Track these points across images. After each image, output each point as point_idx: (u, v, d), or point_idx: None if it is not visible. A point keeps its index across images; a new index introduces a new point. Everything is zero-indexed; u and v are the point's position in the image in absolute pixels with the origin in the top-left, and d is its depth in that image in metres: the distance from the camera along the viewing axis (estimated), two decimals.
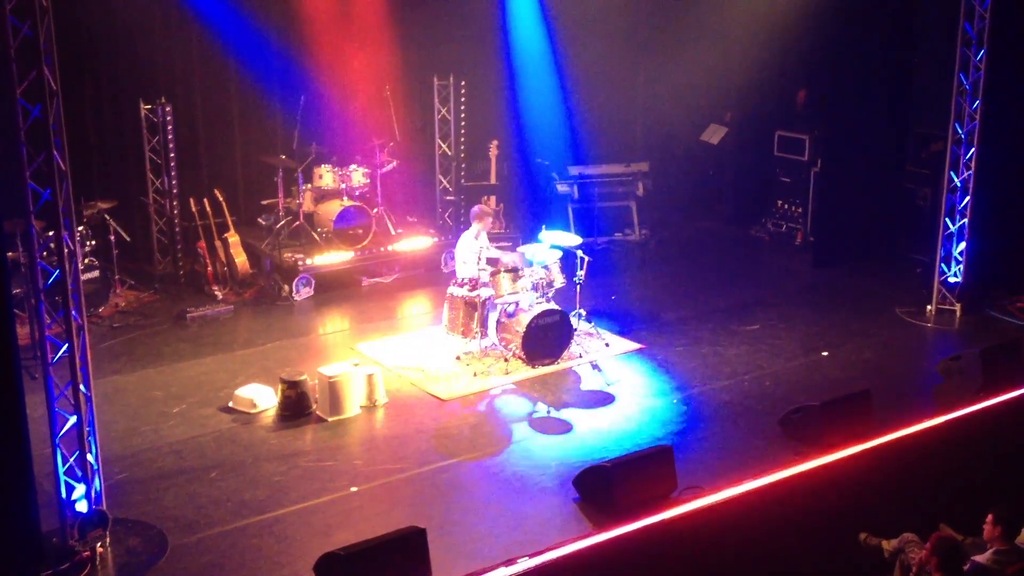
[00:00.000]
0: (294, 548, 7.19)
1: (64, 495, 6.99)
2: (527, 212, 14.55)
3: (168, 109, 12.28)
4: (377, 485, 8.07)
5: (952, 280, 11.74)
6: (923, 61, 13.54)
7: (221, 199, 12.39)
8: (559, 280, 10.47)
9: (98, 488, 7.21)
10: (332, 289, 12.45)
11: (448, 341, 10.55)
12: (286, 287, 12.17)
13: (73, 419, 6.98)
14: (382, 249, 12.87)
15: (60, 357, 6.89)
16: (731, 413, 9.38)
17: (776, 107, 15.19)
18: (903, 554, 7.02)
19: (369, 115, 13.53)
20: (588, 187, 14.74)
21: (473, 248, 10.36)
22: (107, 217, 11.75)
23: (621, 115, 16.09)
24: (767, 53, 14.44)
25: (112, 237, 11.72)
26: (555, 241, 10.89)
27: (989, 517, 6.72)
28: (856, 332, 11.33)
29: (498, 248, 11.07)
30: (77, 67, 11.91)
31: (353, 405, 9.24)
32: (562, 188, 14.72)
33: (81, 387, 6.98)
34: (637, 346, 10.83)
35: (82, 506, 7.05)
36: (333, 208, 12.63)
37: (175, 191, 12.52)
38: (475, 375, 10.01)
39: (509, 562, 6.67)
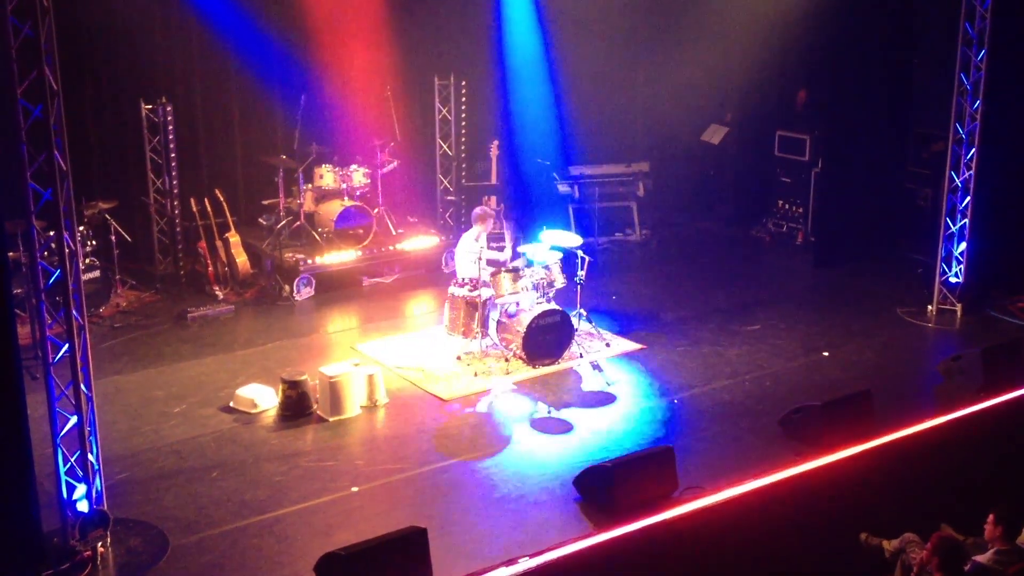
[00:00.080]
0: (295, 548, 7.19)
1: (65, 495, 6.99)
2: (528, 212, 14.54)
3: (169, 109, 12.29)
4: (378, 485, 8.08)
5: (953, 280, 11.74)
6: (923, 61, 13.55)
7: (222, 199, 12.40)
8: (560, 280, 10.47)
9: (99, 488, 7.22)
10: (333, 289, 12.46)
11: (449, 341, 10.55)
12: (287, 287, 12.17)
13: (74, 419, 6.98)
14: (383, 249, 12.87)
15: (61, 357, 6.90)
16: (732, 413, 9.39)
17: (776, 107, 15.20)
18: (904, 554, 7.01)
19: (370, 115, 13.53)
20: (589, 187, 14.74)
21: (473, 249, 10.37)
22: (108, 217, 11.76)
23: (621, 115, 16.09)
24: (767, 53, 14.44)
25: (113, 237, 11.72)
26: (556, 241, 10.90)
27: (990, 517, 6.71)
28: (857, 332, 11.33)
29: (495, 248, 11.08)
30: (78, 67, 11.92)
31: (354, 405, 9.24)
32: (563, 188, 14.73)
33: (82, 387, 6.99)
34: (638, 346, 10.83)
35: (83, 506, 7.05)
36: (334, 208, 12.63)
37: (176, 191, 12.53)
38: (476, 375, 10.01)
39: (509, 562, 6.67)
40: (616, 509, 7.46)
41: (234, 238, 12.41)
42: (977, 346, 10.00)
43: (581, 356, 10.40)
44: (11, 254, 8.96)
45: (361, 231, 12.71)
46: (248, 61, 13.07)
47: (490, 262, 10.41)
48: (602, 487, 7.70)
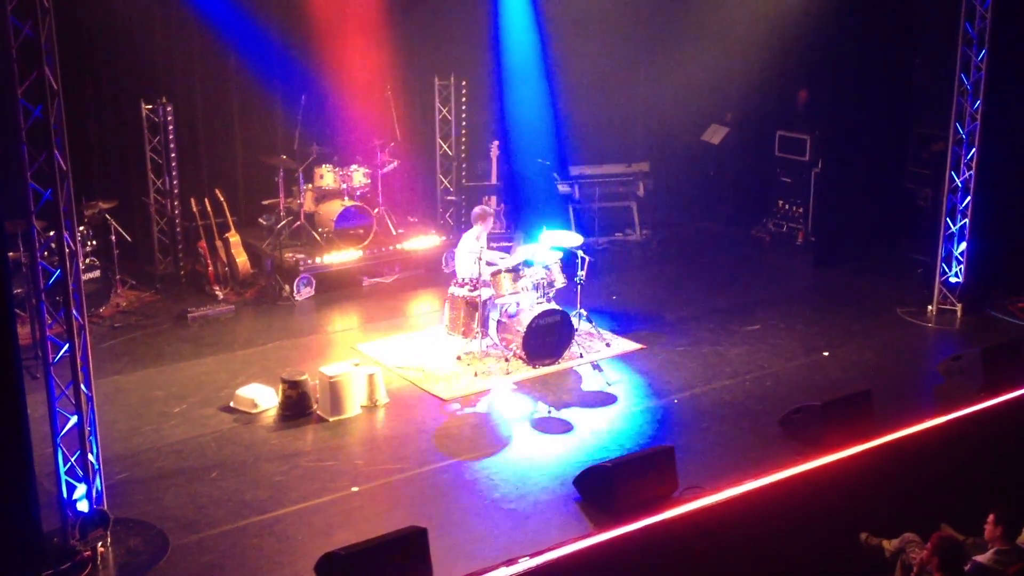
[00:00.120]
0: (295, 548, 7.19)
1: (65, 495, 6.99)
2: (528, 212, 14.54)
3: (169, 109, 12.28)
4: (378, 485, 8.07)
5: (953, 280, 11.74)
6: (923, 61, 13.55)
7: (222, 199, 12.40)
8: (560, 280, 10.47)
9: (99, 488, 7.21)
10: (333, 289, 12.46)
11: (449, 341, 10.55)
12: (287, 287, 12.18)
13: (74, 419, 6.98)
14: (383, 249, 12.87)
15: (61, 357, 6.90)
16: (732, 413, 9.38)
17: (777, 107, 15.20)
18: (904, 554, 7.01)
19: (370, 115, 13.53)
20: (589, 187, 14.75)
21: (474, 249, 10.37)
22: (108, 217, 11.76)
23: (621, 115, 16.10)
24: (767, 53, 14.45)
25: (113, 237, 11.73)
26: (556, 241, 10.90)
27: (990, 517, 6.72)
28: (857, 332, 11.33)
29: (497, 249, 11.09)
30: (78, 67, 11.92)
31: (354, 405, 9.24)
32: (563, 188, 14.73)
33: (82, 387, 6.99)
34: (638, 346, 10.83)
35: (83, 506, 7.05)
36: (334, 208, 12.64)
37: (176, 191, 12.52)
38: (476, 375, 10.01)
39: (510, 562, 6.67)
40: (616, 509, 7.45)
41: (234, 238, 12.41)
42: (977, 346, 10.00)
43: (581, 356, 10.40)
44: (11, 254, 8.97)
45: (361, 231, 12.71)
46: (248, 61, 13.08)
47: (490, 263, 10.41)
48: (602, 487, 7.70)
